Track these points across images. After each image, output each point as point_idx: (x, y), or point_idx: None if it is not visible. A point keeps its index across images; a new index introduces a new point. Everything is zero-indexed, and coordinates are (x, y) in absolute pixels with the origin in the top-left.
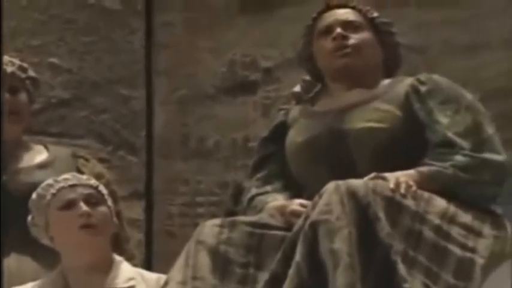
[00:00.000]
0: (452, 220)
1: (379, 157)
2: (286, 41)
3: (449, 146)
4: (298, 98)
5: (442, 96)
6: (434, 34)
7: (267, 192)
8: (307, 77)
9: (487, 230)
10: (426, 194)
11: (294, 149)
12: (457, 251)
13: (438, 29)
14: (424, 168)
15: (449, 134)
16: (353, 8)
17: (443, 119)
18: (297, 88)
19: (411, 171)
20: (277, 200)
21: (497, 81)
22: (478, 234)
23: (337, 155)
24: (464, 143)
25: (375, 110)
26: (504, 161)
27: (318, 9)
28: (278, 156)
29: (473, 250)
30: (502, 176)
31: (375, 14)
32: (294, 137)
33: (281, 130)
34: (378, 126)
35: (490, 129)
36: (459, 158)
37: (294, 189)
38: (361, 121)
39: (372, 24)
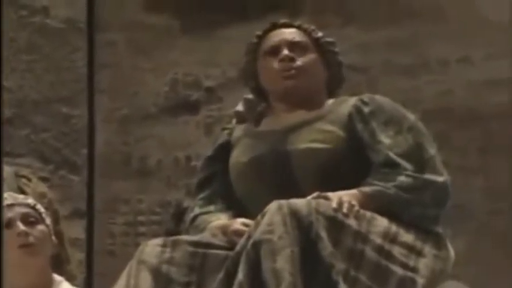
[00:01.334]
0: (394, 240)
1: (323, 178)
2: (229, 60)
3: (392, 166)
4: (240, 117)
5: (385, 116)
6: (375, 54)
7: (210, 212)
8: (249, 96)
9: (428, 249)
10: (368, 214)
11: (238, 169)
12: (398, 270)
13: (379, 50)
14: (366, 188)
15: (392, 155)
16: (298, 27)
17: (385, 140)
18: (239, 107)
19: (354, 191)
20: (220, 219)
21: (436, 101)
22: (419, 253)
23: (281, 175)
24: (407, 164)
25: (318, 130)
26: (445, 182)
27: (260, 28)
28: (222, 175)
29: (414, 269)
30: (444, 197)
31: (320, 34)
32: (238, 157)
33: (225, 150)
34: (321, 147)
35: (431, 150)
36: (402, 179)
37: (238, 209)
38: (304, 142)
39: (317, 44)
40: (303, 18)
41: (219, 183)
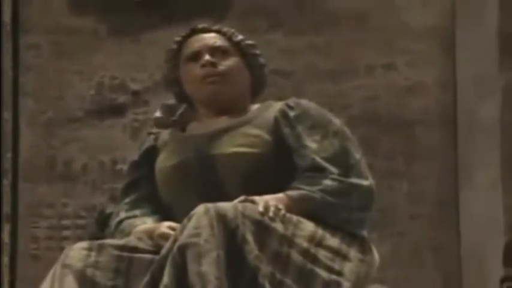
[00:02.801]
0: (319, 243)
1: (249, 182)
2: (155, 64)
3: (317, 170)
4: (159, 123)
5: (311, 121)
6: (301, 59)
7: (135, 216)
8: (168, 101)
9: (353, 253)
10: (295, 218)
11: (163, 174)
12: (323, 274)
13: (304, 55)
14: (293, 192)
15: (318, 159)
16: (218, 31)
17: (311, 144)
18: (158, 113)
19: (280, 195)
20: (146, 223)
21: (362, 106)
22: (345, 257)
23: (206, 180)
24: (333, 168)
25: (244, 135)
26: (370, 186)
27: (184, 32)
28: (147, 180)
29: (339, 273)
30: (369, 201)
31: (240, 37)
32: (163, 161)
33: (151, 154)
34: (247, 151)
35: (357, 155)
36: (327, 183)
37: (164, 213)
38: (230, 146)
39: (238, 47)
40: (229, 22)
41: (145, 188)
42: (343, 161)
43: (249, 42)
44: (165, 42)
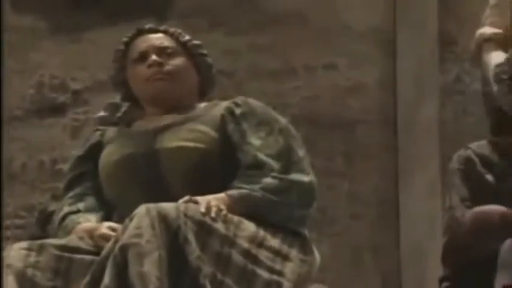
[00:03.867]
0: (261, 244)
1: (192, 177)
2: (96, 64)
3: (259, 167)
4: (104, 122)
5: (257, 118)
6: (242, 59)
7: (79, 211)
8: (112, 100)
9: (294, 253)
10: (236, 218)
11: (107, 168)
12: (264, 274)
13: (245, 55)
14: (234, 192)
15: (261, 156)
16: (165, 32)
17: (255, 141)
18: (102, 113)
19: (222, 195)
20: (89, 220)
21: (302, 106)
22: (286, 258)
23: (150, 175)
24: (275, 165)
25: (190, 130)
26: (311, 182)
27: (128, 32)
28: (92, 175)
29: (280, 273)
30: (310, 197)
31: (187, 37)
32: (108, 156)
33: (96, 149)
34: (192, 146)
35: (300, 152)
36: (268, 181)
37: (107, 209)
38: (174, 140)
39: (185, 47)
40: (170, 22)
41: (89, 183)
42: (286, 158)
43: (196, 42)
44: (106, 42)
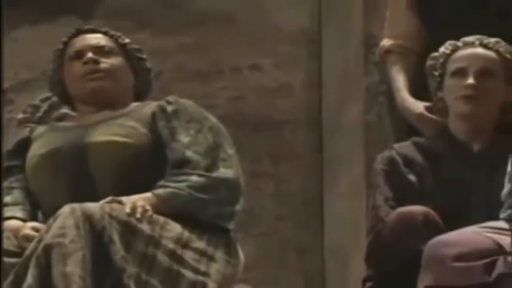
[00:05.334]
0: (186, 245)
1: (120, 173)
2: (20, 62)
3: (186, 165)
4: (24, 123)
5: (187, 116)
6: (168, 60)
7: (6, 205)
8: (32, 102)
9: (219, 254)
10: (162, 219)
11: (34, 162)
12: (189, 274)
13: (172, 55)
14: (160, 191)
15: (188, 153)
16: (104, 33)
17: (184, 139)
18: (21, 115)
19: (148, 195)
20: (16, 215)
21: (229, 107)
22: (211, 258)
23: (77, 169)
24: (202, 162)
25: (120, 125)
26: (238, 179)
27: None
28: (20, 169)
29: (205, 274)
30: (236, 194)
31: (127, 40)
32: (35, 150)
33: (24, 145)
34: (121, 141)
35: (230, 150)
36: (194, 179)
37: (34, 203)
38: (104, 135)
39: (124, 50)
40: (96, 22)
41: (17, 177)
42: (214, 155)
43: (136, 46)
44: (30, 40)
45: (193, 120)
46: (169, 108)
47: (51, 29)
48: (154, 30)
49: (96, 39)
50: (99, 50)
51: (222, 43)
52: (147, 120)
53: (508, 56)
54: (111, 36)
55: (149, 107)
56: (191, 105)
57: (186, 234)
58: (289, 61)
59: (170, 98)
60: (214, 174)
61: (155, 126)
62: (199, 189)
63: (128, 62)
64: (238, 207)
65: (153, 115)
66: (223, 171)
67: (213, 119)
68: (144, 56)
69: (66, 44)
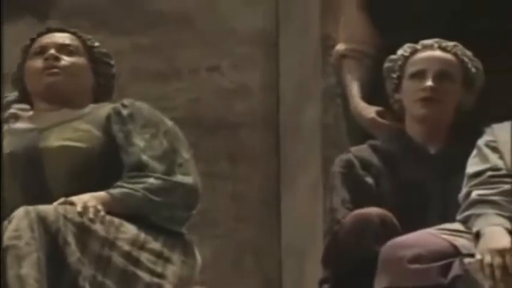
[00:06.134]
0: (142, 247)
1: (74, 178)
2: None
3: (142, 169)
4: None
5: (142, 120)
6: (125, 61)
7: None
8: None
9: (176, 256)
10: (117, 220)
11: None
12: (145, 276)
13: (129, 56)
14: (115, 191)
15: (144, 157)
16: (73, 33)
17: (140, 142)
18: None
19: (101, 193)
20: None
21: (186, 109)
22: (167, 260)
23: (33, 173)
24: (158, 166)
25: (74, 129)
26: (195, 185)
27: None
28: None
29: (161, 276)
30: (193, 200)
31: (96, 44)
32: None
33: None
34: (74, 145)
35: (186, 155)
36: (151, 181)
37: None
38: (57, 140)
39: (90, 52)
40: (53, 22)
41: None
42: (170, 160)
43: (104, 50)
44: None
45: (148, 125)
46: (125, 112)
47: (7, 29)
48: (111, 31)
49: (63, 38)
50: (63, 48)
51: (180, 44)
52: (102, 123)
53: (465, 59)
54: (79, 37)
55: (104, 109)
56: (146, 108)
57: (142, 235)
58: (247, 63)
59: (126, 101)
60: (172, 178)
61: (110, 129)
62: (155, 191)
63: (92, 64)
64: (193, 213)
65: (108, 118)
66: (181, 177)
67: (169, 123)
68: (112, 62)
69: (33, 40)
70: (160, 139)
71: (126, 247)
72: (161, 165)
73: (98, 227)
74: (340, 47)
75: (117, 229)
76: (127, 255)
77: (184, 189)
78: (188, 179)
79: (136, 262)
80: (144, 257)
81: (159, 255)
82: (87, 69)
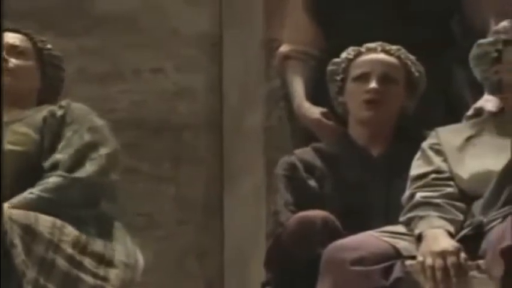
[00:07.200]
0: (84, 249)
1: (18, 179)
2: None
3: (55, 168)
4: None
5: (70, 119)
6: (70, 62)
7: None
8: None
9: (118, 258)
10: (59, 222)
11: None
12: (89, 279)
13: (73, 58)
14: (20, 197)
15: (58, 156)
16: (25, 34)
17: (62, 143)
18: None
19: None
20: None
21: (130, 111)
22: (109, 263)
23: None
24: (67, 162)
25: (13, 132)
26: (94, 179)
27: None
28: None
29: (104, 279)
30: (93, 195)
31: (48, 46)
32: None
33: None
34: (12, 149)
35: (103, 151)
36: (51, 180)
37: None
38: None
39: (40, 54)
40: None
41: None
42: (83, 154)
43: (56, 53)
44: None
45: (74, 122)
46: (59, 113)
47: None
48: (56, 32)
49: (13, 38)
50: (12, 49)
51: (124, 46)
52: (39, 125)
53: (408, 62)
54: (31, 39)
55: (43, 111)
56: (80, 108)
57: (83, 237)
58: (191, 65)
59: (63, 102)
60: (72, 174)
61: (44, 131)
62: (51, 190)
63: (41, 66)
64: (97, 210)
65: (44, 120)
66: (86, 171)
67: (98, 122)
68: (62, 65)
69: None
70: (82, 134)
71: (69, 250)
72: (70, 160)
73: (43, 229)
74: (284, 48)
75: (60, 231)
76: (70, 258)
77: (82, 185)
78: (91, 174)
79: (80, 265)
80: (87, 260)
81: (101, 257)
82: (34, 71)
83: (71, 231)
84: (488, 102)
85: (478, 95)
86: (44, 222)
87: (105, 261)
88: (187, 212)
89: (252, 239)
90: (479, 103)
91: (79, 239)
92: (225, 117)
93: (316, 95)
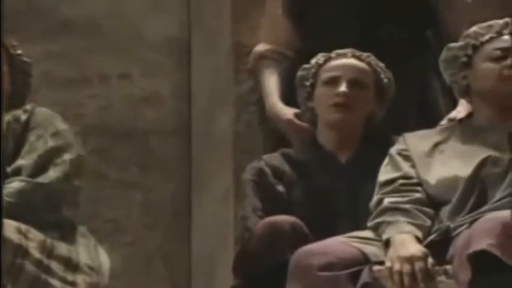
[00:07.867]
0: (51, 253)
1: None
2: None
3: (18, 173)
4: None
5: (34, 123)
6: (35, 67)
7: None
8: None
9: (83, 262)
10: (23, 226)
11: None
12: (57, 284)
13: (39, 62)
14: None
15: (21, 162)
16: None
17: (25, 147)
18: None
19: None
20: None
21: (97, 116)
22: (76, 268)
23: None
24: (29, 167)
25: None
26: (56, 185)
27: None
28: None
29: (72, 284)
30: (57, 202)
31: (18, 52)
32: None
33: None
34: None
35: (67, 156)
36: (13, 185)
37: None
38: None
39: (12, 59)
40: None
41: None
42: (47, 159)
43: (24, 59)
44: None
45: (38, 127)
46: (23, 118)
47: None
48: (21, 37)
49: None
50: None
51: (90, 51)
52: (4, 131)
53: (378, 69)
54: (2, 45)
55: (7, 116)
56: (44, 112)
57: (48, 241)
58: (158, 70)
59: (27, 107)
60: (34, 179)
61: (8, 135)
62: (13, 194)
63: (10, 71)
64: (61, 214)
65: (8, 124)
66: (49, 176)
67: (62, 126)
68: (30, 72)
69: None
70: (46, 139)
71: (37, 255)
72: (33, 165)
73: (11, 235)
74: (260, 47)
75: (25, 236)
76: (38, 263)
77: (45, 189)
78: (54, 179)
79: (48, 270)
80: (54, 265)
81: (67, 262)
82: (6, 76)
83: (36, 235)
84: (460, 113)
85: (452, 101)
86: (9, 227)
87: (71, 264)
88: (155, 217)
89: (220, 244)
90: (453, 114)
91: (45, 243)
92: (193, 123)
93: (289, 96)
